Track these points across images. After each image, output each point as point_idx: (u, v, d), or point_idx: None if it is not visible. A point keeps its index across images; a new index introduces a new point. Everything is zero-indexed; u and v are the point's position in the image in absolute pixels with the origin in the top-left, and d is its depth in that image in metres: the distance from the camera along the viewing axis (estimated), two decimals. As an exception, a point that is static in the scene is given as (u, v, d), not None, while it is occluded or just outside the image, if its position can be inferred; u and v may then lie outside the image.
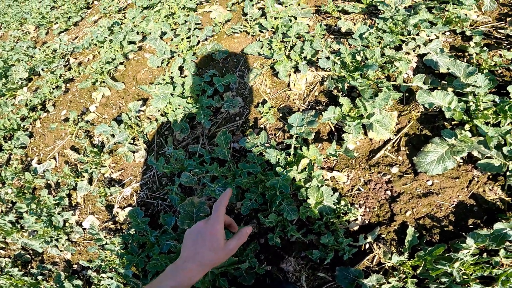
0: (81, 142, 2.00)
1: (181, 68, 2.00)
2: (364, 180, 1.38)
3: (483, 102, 1.24)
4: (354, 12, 1.83)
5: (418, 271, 1.12)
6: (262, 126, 1.64)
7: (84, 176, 1.89)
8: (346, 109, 1.39)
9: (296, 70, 1.68)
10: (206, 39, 2.09)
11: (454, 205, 1.23)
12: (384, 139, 1.41)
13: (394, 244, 1.24)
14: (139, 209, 1.52)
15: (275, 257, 1.36)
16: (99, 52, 2.53)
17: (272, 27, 1.89)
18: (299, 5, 1.98)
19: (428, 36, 1.57)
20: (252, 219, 1.47)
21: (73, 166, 2.01)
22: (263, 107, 1.63)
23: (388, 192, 1.33)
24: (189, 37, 2.09)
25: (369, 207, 1.34)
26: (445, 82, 1.41)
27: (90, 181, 1.90)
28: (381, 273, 1.20)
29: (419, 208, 1.26)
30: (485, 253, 1.11)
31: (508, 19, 1.68)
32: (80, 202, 1.88)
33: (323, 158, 1.44)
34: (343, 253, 1.23)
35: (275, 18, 1.91)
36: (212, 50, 1.97)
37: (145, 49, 2.34)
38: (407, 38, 1.56)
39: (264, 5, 1.99)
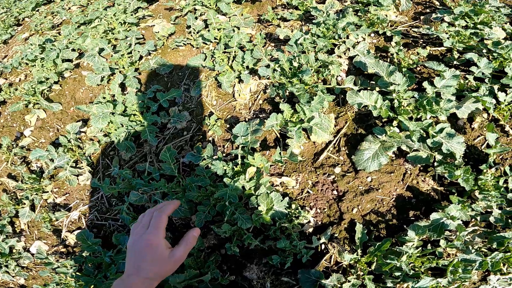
0: (18, 169, 1.83)
1: (123, 85, 1.91)
2: (312, 183, 1.41)
3: (404, 99, 1.34)
4: (292, 19, 1.90)
5: (372, 267, 1.16)
6: (210, 138, 1.62)
7: (25, 203, 1.76)
8: (288, 115, 1.42)
9: (240, 80, 1.69)
10: (149, 54, 2.02)
11: (394, 199, 1.32)
12: (326, 141, 1.47)
13: (347, 242, 1.29)
14: (87, 231, 1.46)
15: (238, 266, 1.34)
16: (31, 71, 2.32)
17: (216, 38, 1.89)
18: (242, 15, 2.01)
19: (356, 38, 1.68)
20: (209, 231, 1.43)
21: (12, 194, 1.85)
22: (209, 119, 1.61)
23: (335, 192, 1.38)
24: (130, 53, 2.00)
25: (320, 208, 1.38)
26: (373, 82, 1.52)
27: (33, 208, 1.77)
28: (340, 272, 1.23)
29: (363, 204, 1.32)
30: (429, 244, 1.16)
31: (421, 17, 1.86)
32: (24, 229, 1.76)
33: (271, 165, 1.45)
34: (301, 256, 1.24)
35: (218, 29, 1.91)
36: (156, 65, 1.90)
37: (82, 67, 2.20)
38: (338, 42, 1.65)
39: (207, 15, 1.99)
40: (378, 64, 1.47)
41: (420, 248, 1.12)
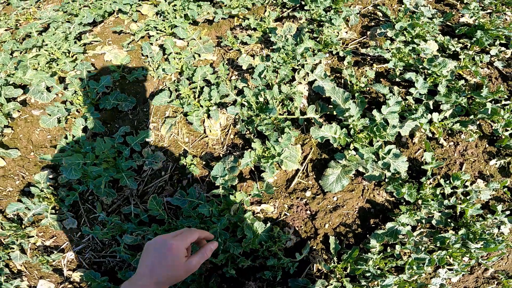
0: (-7, 219, 1.77)
1: (85, 128, 1.82)
2: (287, 206, 1.60)
3: (358, 128, 1.52)
4: (252, 43, 1.90)
5: (348, 271, 1.42)
6: (189, 176, 1.69)
7: (13, 248, 1.73)
8: (260, 151, 1.54)
9: (209, 115, 1.72)
10: (106, 88, 1.91)
11: (356, 211, 1.56)
12: (295, 169, 1.63)
13: (324, 252, 1.53)
14: (93, 271, 1.53)
15: (237, 285, 1.54)
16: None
17: (177, 69, 1.85)
18: (200, 38, 1.94)
19: (314, 61, 1.77)
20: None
21: (-2, 241, 1.80)
22: (185, 158, 1.66)
23: (308, 212, 1.59)
24: (84, 88, 1.87)
25: (297, 227, 1.59)
26: (331, 106, 1.66)
27: (23, 251, 1.75)
28: (323, 277, 1.49)
29: (333, 220, 1.56)
30: (389, 247, 1.45)
31: (368, 32, 1.99)
32: (22, 270, 1.74)
33: (250, 198, 1.60)
34: (288, 268, 1.47)
35: (179, 59, 1.85)
36: (116, 101, 1.83)
37: (31, 104, 2.02)
38: (298, 66, 1.73)
39: (164, 41, 1.90)
40: (335, 91, 1.61)
41: (382, 252, 1.40)
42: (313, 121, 1.62)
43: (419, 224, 1.49)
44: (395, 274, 1.36)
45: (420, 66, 1.72)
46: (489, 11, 2.07)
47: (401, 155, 1.49)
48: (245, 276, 1.55)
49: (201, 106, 1.71)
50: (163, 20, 1.97)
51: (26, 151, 1.95)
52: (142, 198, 1.72)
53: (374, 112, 1.52)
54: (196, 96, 1.75)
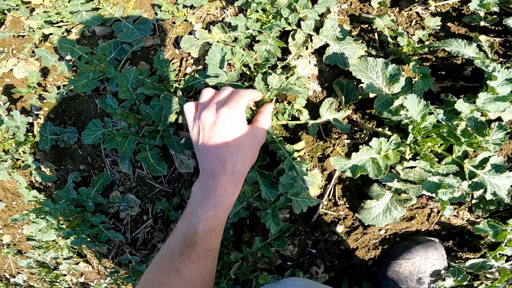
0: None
1: (31, 181, 1.38)
2: (311, 242, 1.12)
3: (422, 131, 0.80)
4: (204, 2, 1.03)
5: None
6: (173, 219, 1.24)
7: None
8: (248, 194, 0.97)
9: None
10: (35, 118, 1.33)
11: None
12: (316, 194, 1.05)
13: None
14: None
15: None
16: None
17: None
18: (128, 17, 1.12)
19: (316, 12, 0.89)
20: None
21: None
22: (160, 203, 1.18)
23: (342, 247, 1.10)
24: (8, 131, 1.33)
25: (329, 263, 1.14)
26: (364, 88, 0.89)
27: None
28: None
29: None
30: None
31: None
32: None
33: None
34: None
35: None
36: (54, 136, 1.28)
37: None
38: (290, 25, 0.89)
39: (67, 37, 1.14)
40: (367, 64, 0.81)
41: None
42: (334, 123, 0.92)
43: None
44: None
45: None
46: None
47: (504, 168, 0.79)
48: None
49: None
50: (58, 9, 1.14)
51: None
52: (135, 244, 1.39)
53: (459, 102, 0.75)
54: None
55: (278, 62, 0.93)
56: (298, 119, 0.90)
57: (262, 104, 0.81)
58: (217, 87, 0.88)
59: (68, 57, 1.16)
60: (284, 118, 0.87)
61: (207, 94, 0.73)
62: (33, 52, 1.21)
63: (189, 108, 0.73)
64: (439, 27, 0.88)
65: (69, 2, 1.08)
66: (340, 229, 1.04)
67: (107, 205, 1.28)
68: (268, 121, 0.75)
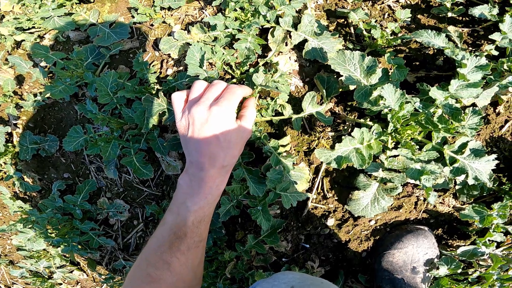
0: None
1: (14, 192, 1.34)
2: (304, 237, 1.13)
3: (401, 120, 0.81)
4: (182, 3, 1.01)
5: None
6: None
7: None
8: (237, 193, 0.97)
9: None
10: (14, 127, 1.28)
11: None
12: (305, 189, 1.05)
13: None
14: None
15: None
16: None
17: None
18: (104, 21, 1.09)
19: (293, 8, 0.89)
20: None
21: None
22: (150, 208, 1.17)
23: (335, 240, 1.11)
24: (-13, 142, 1.28)
25: (324, 257, 1.15)
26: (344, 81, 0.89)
27: None
28: None
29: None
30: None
31: None
32: None
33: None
34: None
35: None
36: (35, 146, 1.24)
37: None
38: (269, 23, 0.89)
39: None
40: (344, 57, 0.82)
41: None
42: (317, 116, 0.92)
43: (508, 237, 0.95)
44: None
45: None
46: None
47: (483, 152, 0.81)
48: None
49: (140, 134, 1.07)
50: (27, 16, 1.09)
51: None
52: (127, 249, 1.37)
53: (433, 89, 0.76)
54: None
55: (259, 60, 0.92)
56: (281, 114, 0.90)
57: (244, 98, 0.80)
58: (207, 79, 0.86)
59: (42, 64, 1.12)
60: (268, 114, 0.87)
61: (199, 87, 0.71)
62: (6, 59, 1.17)
63: (178, 98, 0.71)
64: (409, 19, 0.90)
65: (39, 8, 1.04)
66: (331, 222, 1.05)
67: (96, 211, 1.26)
68: (254, 114, 0.74)
